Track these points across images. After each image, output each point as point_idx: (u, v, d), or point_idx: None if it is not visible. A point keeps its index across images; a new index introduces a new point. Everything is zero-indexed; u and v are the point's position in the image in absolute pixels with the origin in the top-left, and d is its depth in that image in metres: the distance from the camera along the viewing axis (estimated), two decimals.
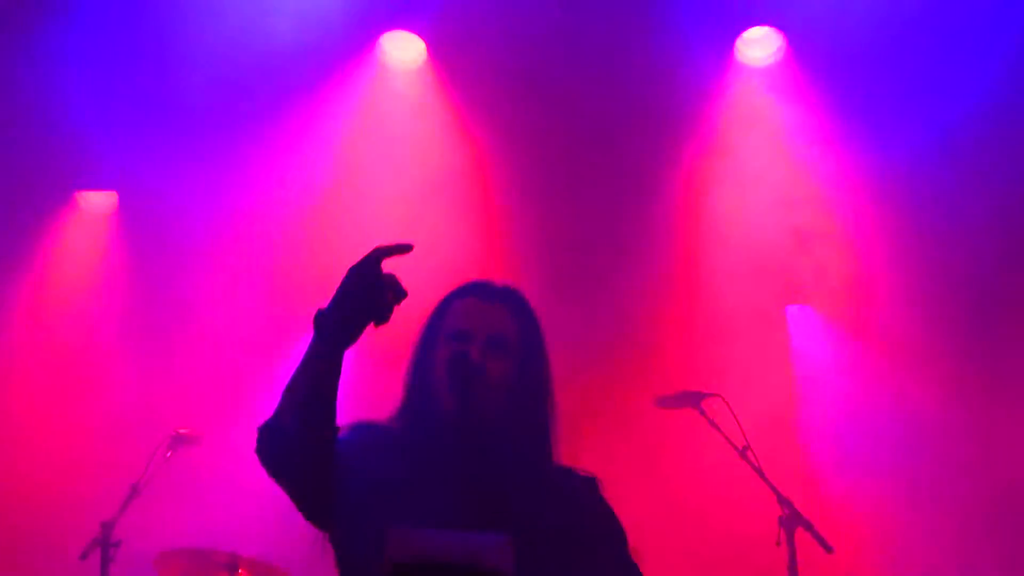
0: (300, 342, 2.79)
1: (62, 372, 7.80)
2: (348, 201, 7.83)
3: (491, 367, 3.00)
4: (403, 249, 2.79)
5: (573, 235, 7.80)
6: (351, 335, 2.81)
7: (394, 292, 2.79)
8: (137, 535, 6.36)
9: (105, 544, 6.07)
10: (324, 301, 2.81)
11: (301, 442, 2.82)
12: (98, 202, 8.28)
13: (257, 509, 6.97)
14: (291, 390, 2.86)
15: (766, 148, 7.79)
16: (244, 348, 7.80)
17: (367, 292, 2.76)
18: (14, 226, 8.14)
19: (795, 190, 7.71)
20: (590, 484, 3.10)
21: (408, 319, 3.05)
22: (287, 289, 7.71)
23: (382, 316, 2.79)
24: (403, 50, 7.99)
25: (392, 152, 7.97)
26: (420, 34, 7.92)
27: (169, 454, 6.40)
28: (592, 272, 7.74)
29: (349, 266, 2.80)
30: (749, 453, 5.44)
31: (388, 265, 2.79)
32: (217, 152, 7.88)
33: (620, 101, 7.71)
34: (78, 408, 7.67)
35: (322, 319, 2.81)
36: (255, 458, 2.84)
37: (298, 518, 3.11)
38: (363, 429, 3.08)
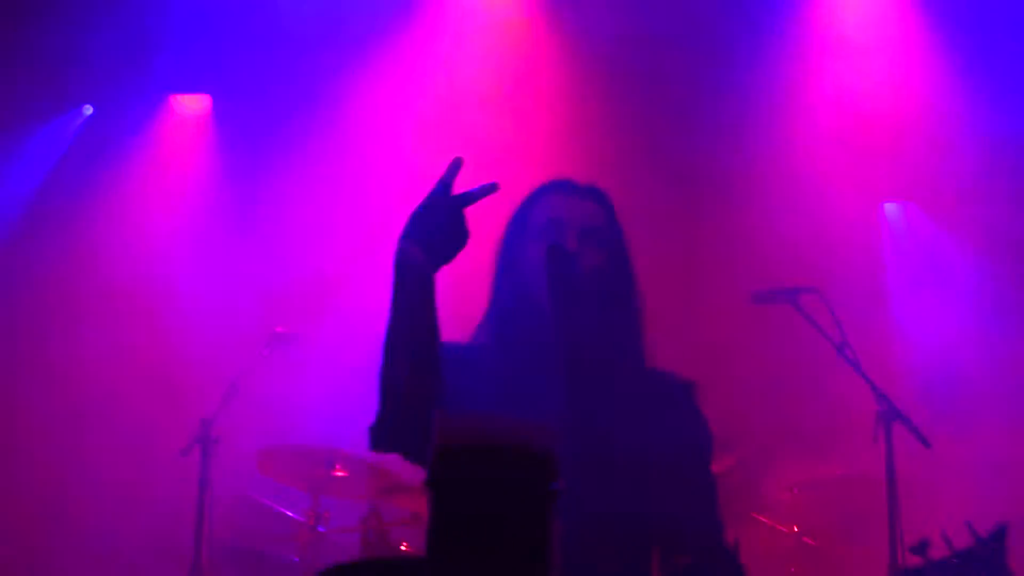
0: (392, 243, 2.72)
1: (156, 273, 7.89)
2: (445, 115, 7.82)
3: (586, 257, 2.96)
4: (487, 191, 2.73)
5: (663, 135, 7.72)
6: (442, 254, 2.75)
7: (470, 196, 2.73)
8: (236, 432, 6.47)
9: (205, 441, 6.17)
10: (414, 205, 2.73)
11: (420, 407, 2.71)
12: (192, 105, 8.34)
13: (354, 406, 7.05)
14: (392, 344, 2.78)
15: (865, 41, 7.69)
16: (340, 246, 7.85)
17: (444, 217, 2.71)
18: (109, 128, 8.22)
19: (894, 87, 7.60)
20: (686, 390, 3.07)
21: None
22: (380, 191, 7.72)
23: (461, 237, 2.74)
24: None
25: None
26: None
27: (267, 352, 6.46)
28: (679, 170, 7.66)
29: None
30: (847, 350, 5.37)
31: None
32: (312, 62, 7.89)
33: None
34: (175, 307, 7.76)
35: (407, 244, 2.74)
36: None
37: None
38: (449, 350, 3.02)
